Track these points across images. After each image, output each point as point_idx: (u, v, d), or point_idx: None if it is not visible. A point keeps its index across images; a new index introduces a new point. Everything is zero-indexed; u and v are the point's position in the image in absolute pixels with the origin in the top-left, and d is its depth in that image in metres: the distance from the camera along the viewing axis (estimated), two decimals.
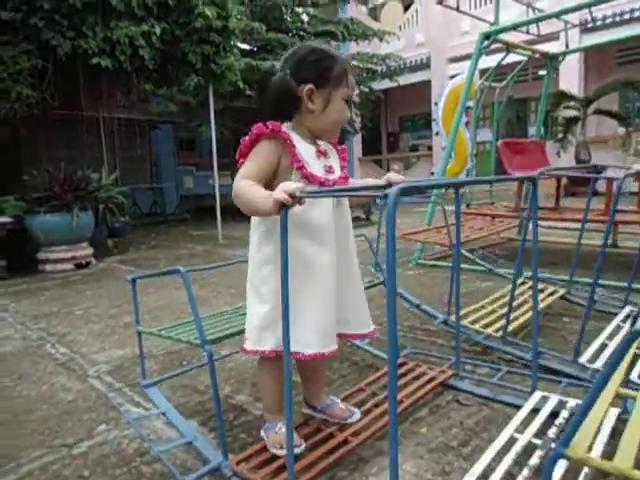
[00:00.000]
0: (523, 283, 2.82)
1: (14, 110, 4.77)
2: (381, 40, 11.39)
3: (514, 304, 2.46)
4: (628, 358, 1.50)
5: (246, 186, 1.23)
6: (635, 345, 1.75)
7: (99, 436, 1.65)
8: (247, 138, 1.31)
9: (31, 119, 5.38)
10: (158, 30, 5.22)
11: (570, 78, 10.36)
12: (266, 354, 1.36)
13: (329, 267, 1.34)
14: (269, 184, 1.28)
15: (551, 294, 2.70)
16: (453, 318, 2.34)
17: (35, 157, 6.30)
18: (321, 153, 1.38)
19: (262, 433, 1.46)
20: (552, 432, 1.42)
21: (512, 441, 1.38)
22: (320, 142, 1.43)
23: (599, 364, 1.86)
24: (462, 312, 2.24)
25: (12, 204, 4.83)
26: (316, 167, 1.34)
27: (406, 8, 14.05)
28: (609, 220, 2.00)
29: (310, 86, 1.31)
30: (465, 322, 2.26)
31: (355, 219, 7.70)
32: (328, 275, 1.34)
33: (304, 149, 1.33)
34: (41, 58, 4.91)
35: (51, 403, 1.93)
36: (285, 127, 1.33)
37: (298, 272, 1.26)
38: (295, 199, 1.10)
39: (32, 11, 4.66)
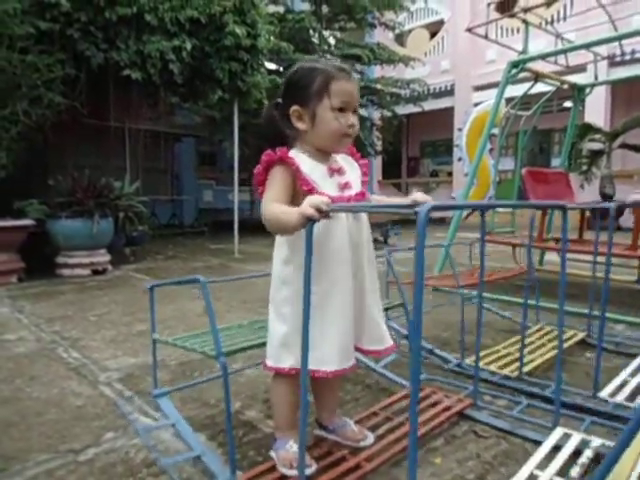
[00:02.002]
0: (540, 329, 2.74)
1: (45, 116, 4.89)
2: (406, 65, 11.52)
3: (532, 348, 2.42)
4: None
5: (273, 207, 1.25)
6: None
7: (106, 443, 1.62)
8: (259, 166, 1.32)
9: (60, 126, 5.51)
10: (189, 46, 5.35)
11: (596, 111, 10.32)
12: (285, 372, 1.35)
13: (346, 284, 1.32)
14: (292, 205, 1.27)
15: (570, 338, 2.61)
16: (467, 361, 2.27)
17: (61, 163, 6.43)
18: (334, 170, 1.36)
19: (272, 452, 1.42)
20: (575, 472, 1.35)
21: (532, 478, 1.31)
22: (337, 156, 1.42)
23: (619, 399, 1.80)
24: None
25: (35, 207, 4.91)
26: (328, 186, 1.32)
27: (432, 35, 14.22)
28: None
29: (295, 107, 1.33)
30: (480, 364, 2.18)
31: (373, 241, 7.66)
32: (346, 292, 1.32)
33: (314, 169, 1.32)
34: (74, 67, 5.05)
35: (61, 407, 1.91)
36: (294, 151, 1.34)
37: (316, 290, 1.25)
38: (322, 213, 1.09)
39: (69, 23, 4.81)
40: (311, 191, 1.27)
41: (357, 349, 1.44)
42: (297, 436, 1.27)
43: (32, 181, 5.61)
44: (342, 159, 1.43)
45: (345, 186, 1.37)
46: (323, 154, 1.37)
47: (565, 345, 2.48)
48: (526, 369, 2.14)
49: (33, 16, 4.58)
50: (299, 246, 1.28)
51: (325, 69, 1.32)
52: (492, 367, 2.19)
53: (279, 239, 1.37)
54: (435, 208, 0.95)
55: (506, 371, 2.15)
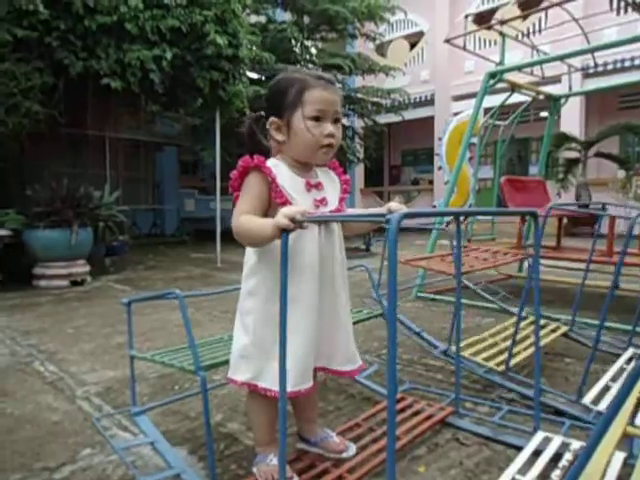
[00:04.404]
0: (525, 318, 2.78)
1: (22, 125, 4.81)
2: (387, 75, 11.65)
3: (517, 338, 2.42)
4: (633, 399, 1.46)
5: (245, 219, 1.22)
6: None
7: (83, 461, 1.58)
8: (235, 172, 1.29)
9: (38, 135, 5.42)
10: (169, 55, 5.32)
11: (572, 121, 10.56)
12: (238, 385, 1.33)
13: (311, 301, 1.28)
14: (266, 215, 1.25)
15: (553, 331, 2.65)
16: (453, 348, 2.29)
17: (39, 173, 6.32)
18: (312, 186, 1.32)
19: (253, 468, 1.40)
20: (555, 475, 1.36)
21: None
22: (318, 170, 1.39)
23: (602, 406, 1.81)
24: (463, 344, 2.19)
25: (12, 217, 4.81)
26: (303, 201, 1.28)
27: (412, 46, 14.43)
28: (619, 260, 1.97)
29: (273, 119, 1.31)
30: (466, 353, 2.20)
31: (355, 250, 7.69)
32: (310, 309, 1.28)
33: (291, 182, 1.28)
34: (53, 76, 4.98)
35: (36, 423, 1.86)
36: (274, 160, 1.31)
37: (279, 305, 1.23)
38: (296, 223, 1.09)
39: (48, 31, 4.75)
40: (285, 204, 1.23)
41: (327, 371, 1.41)
42: (278, 450, 1.25)
43: (8, 191, 5.50)
44: (323, 173, 1.40)
45: (321, 202, 1.33)
46: (303, 166, 1.34)
47: (549, 338, 2.52)
48: (511, 362, 2.14)
49: (10, 23, 4.52)
50: (266, 258, 1.28)
51: (301, 78, 1.29)
52: (477, 359, 2.20)
53: (249, 250, 1.35)
54: (407, 216, 0.95)
55: (492, 363, 2.16)
